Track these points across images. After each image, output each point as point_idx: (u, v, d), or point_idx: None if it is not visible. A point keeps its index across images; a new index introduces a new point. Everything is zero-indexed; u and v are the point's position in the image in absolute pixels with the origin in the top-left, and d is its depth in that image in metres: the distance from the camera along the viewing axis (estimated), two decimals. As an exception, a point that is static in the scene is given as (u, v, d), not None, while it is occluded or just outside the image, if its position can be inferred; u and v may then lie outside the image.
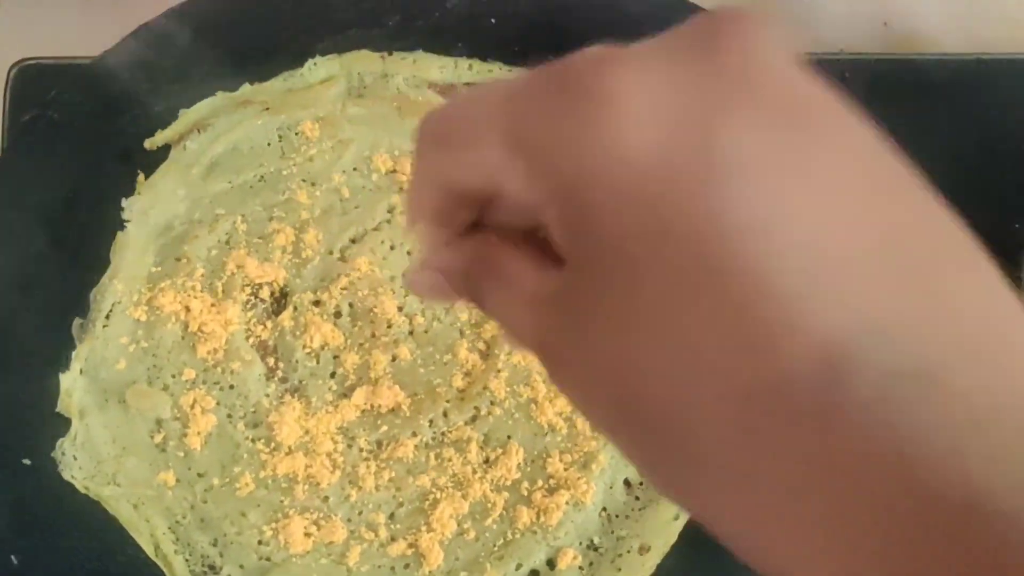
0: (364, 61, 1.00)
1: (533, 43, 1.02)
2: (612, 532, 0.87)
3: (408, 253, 0.94)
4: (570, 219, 0.34)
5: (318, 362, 0.90)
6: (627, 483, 0.89)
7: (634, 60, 0.33)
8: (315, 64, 0.99)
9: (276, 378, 0.89)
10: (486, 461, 0.88)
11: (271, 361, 0.89)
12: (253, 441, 0.86)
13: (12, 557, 0.78)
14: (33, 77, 1.06)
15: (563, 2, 1.02)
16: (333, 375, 0.89)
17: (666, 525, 0.87)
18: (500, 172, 0.36)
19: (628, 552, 0.87)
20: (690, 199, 0.31)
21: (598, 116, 0.32)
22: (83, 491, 0.83)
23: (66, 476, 0.83)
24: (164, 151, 0.94)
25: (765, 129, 0.31)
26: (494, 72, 1.01)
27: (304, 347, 0.89)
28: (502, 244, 0.39)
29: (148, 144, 0.94)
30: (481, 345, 0.91)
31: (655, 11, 1.02)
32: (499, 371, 0.90)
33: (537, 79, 0.36)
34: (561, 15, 1.02)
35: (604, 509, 0.88)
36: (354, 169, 0.97)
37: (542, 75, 0.36)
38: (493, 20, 1.02)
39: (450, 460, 0.87)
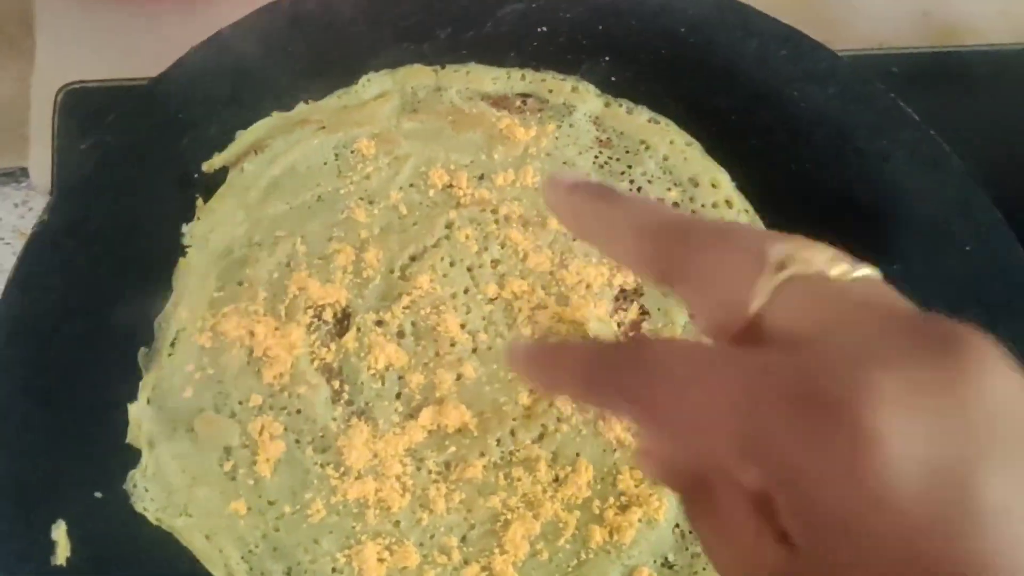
0: (417, 75, 0.99)
1: (586, 51, 1.00)
2: (687, 549, 0.86)
3: (468, 269, 0.93)
4: (815, 539, 0.35)
5: (383, 383, 0.89)
6: (699, 498, 0.88)
7: (887, 393, 0.33)
8: (368, 80, 0.98)
9: (342, 401, 0.88)
10: (556, 480, 0.87)
11: (336, 384, 0.88)
12: (322, 466, 0.85)
13: (88, 592, 0.78)
14: (81, 101, 1.07)
15: (614, 7, 1.01)
16: (399, 396, 0.89)
17: (741, 541, 0.86)
18: (728, 465, 0.37)
19: (704, 569, 0.85)
20: (953, 547, 0.32)
21: (862, 458, 0.33)
22: (155, 523, 0.82)
23: (138, 508, 0.82)
24: (222, 174, 0.94)
25: (1018, 475, 0.33)
26: (547, 81, 1.00)
27: (369, 368, 0.89)
28: (729, 489, 0.39)
29: (206, 167, 0.93)
30: (546, 361, 0.90)
31: (708, 14, 1.01)
32: (565, 387, 0.89)
33: (779, 383, 0.36)
34: (613, 21, 1.01)
35: (677, 525, 0.86)
36: (411, 185, 0.96)
37: (784, 379, 0.36)
38: (544, 28, 1.00)
39: (519, 480, 0.86)
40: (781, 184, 0.97)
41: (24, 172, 1.21)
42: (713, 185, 0.97)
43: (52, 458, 0.81)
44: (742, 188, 0.97)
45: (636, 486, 0.87)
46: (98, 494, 0.82)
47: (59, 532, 0.80)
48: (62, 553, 0.79)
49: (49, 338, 0.84)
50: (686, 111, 0.99)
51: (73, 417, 0.82)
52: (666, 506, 0.86)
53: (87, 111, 1.05)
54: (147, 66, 1.00)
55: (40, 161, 1.10)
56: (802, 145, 0.97)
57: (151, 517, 0.82)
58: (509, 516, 0.85)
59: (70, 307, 0.85)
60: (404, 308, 0.91)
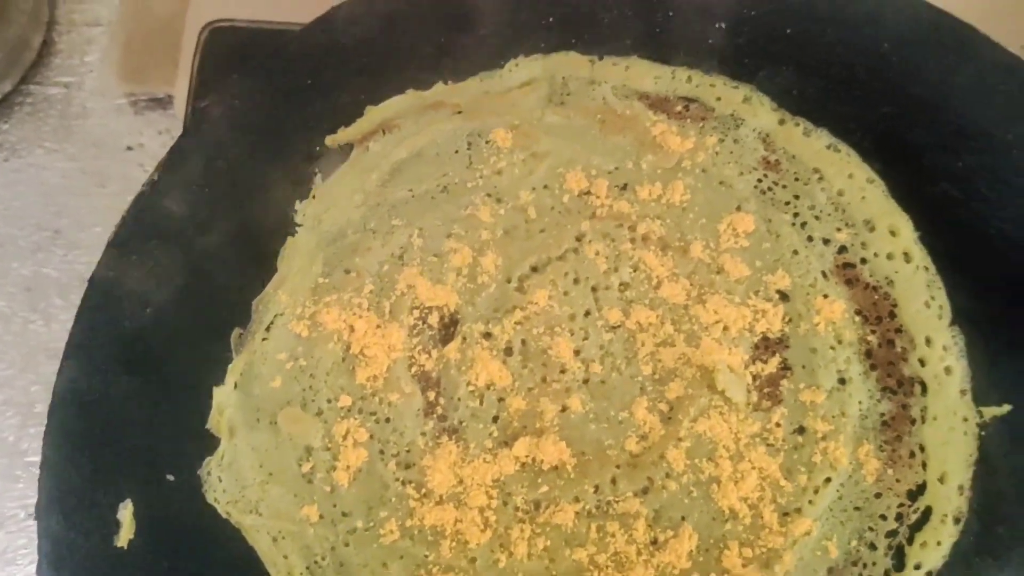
0: (571, 65, 0.89)
1: (768, 56, 0.87)
2: (786, 650, 0.76)
3: (592, 290, 0.83)
4: None
5: (481, 403, 0.81)
6: (813, 594, 0.77)
7: None
8: (516, 65, 0.89)
9: (435, 415, 0.81)
10: (654, 542, 0.78)
11: (432, 395, 0.82)
12: (403, 484, 0.79)
13: (144, 580, 0.76)
14: (225, 41, 1.02)
15: (811, 10, 0.87)
16: (495, 420, 0.81)
17: (853, 652, 0.75)
18: None
19: (800, 674, 0.75)
20: None
21: None
22: (224, 516, 0.79)
23: (209, 498, 0.79)
24: (345, 150, 0.87)
25: None
26: (716, 87, 0.88)
27: (468, 384, 0.82)
28: None
29: (330, 142, 0.87)
30: (663, 406, 0.81)
31: (921, 31, 0.86)
32: (680, 439, 0.79)
33: None
34: (805, 26, 0.87)
35: (781, 620, 0.76)
36: (544, 187, 0.87)
37: None
38: (723, 25, 0.88)
39: (613, 536, 0.78)
40: (973, 244, 0.82)
41: (171, 99, 1.20)
42: (892, 232, 0.83)
43: (130, 433, 0.78)
44: (925, 241, 0.83)
45: (744, 566, 0.77)
46: (171, 477, 0.78)
47: (126, 513, 0.77)
48: (125, 535, 0.76)
49: (143, 305, 0.80)
50: (874, 142, 0.85)
51: (157, 393, 0.79)
52: (772, 597, 0.76)
53: (228, 52, 1.01)
54: (298, 12, 0.94)
55: (184, 93, 1.07)
56: (1008, 201, 0.82)
57: (221, 509, 0.79)
58: (595, 575, 0.77)
59: (168, 275, 0.81)
60: (516, 323, 0.83)
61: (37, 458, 1.04)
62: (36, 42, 1.22)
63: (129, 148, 1.21)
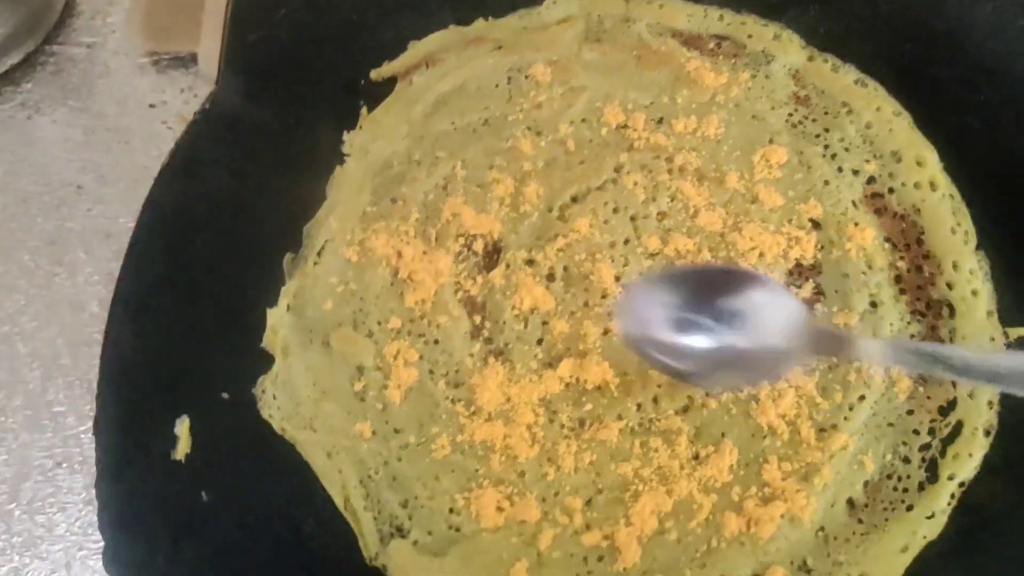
0: (606, 3, 0.92)
1: (795, -5, 0.91)
2: (828, 555, 0.78)
3: (631, 219, 0.86)
4: None
5: (526, 326, 0.84)
6: (851, 503, 0.79)
7: None
8: (554, 2, 0.91)
9: (482, 338, 0.83)
10: (695, 457, 0.80)
11: (478, 319, 0.84)
12: (453, 402, 0.81)
13: (203, 493, 0.77)
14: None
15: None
16: (540, 342, 0.83)
17: (892, 557, 0.77)
18: None
19: (845, 580, 0.78)
20: None
21: None
22: (279, 432, 0.81)
23: (264, 414, 0.81)
24: (389, 84, 0.89)
25: None
26: (747, 25, 0.91)
27: (513, 308, 0.84)
28: None
29: (374, 75, 0.89)
30: (702, 328, 0.83)
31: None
32: (720, 360, 0.82)
33: None
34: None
35: (822, 529, 0.79)
36: (582, 120, 0.89)
37: None
38: (752, -35, 0.91)
39: (656, 451, 0.80)
40: (997, 172, 0.85)
41: (193, 58, 1.21)
42: (918, 163, 0.86)
43: (184, 353, 0.79)
44: (950, 170, 0.86)
45: (783, 479, 0.79)
46: (225, 395, 0.80)
47: (182, 427, 0.79)
48: (182, 449, 0.78)
49: (197, 230, 0.82)
50: (899, 76, 0.89)
51: (212, 313, 0.81)
52: (813, 506, 0.78)
53: (258, 4, 1.02)
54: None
55: (209, 49, 1.08)
56: (1029, 131, 0.85)
57: (276, 425, 0.81)
58: (640, 487, 0.79)
59: (220, 201, 0.83)
60: (558, 250, 0.85)
61: (62, 408, 1.06)
62: (59, 3, 1.23)
63: (152, 106, 1.21)
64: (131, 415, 0.77)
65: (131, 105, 1.23)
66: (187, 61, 1.23)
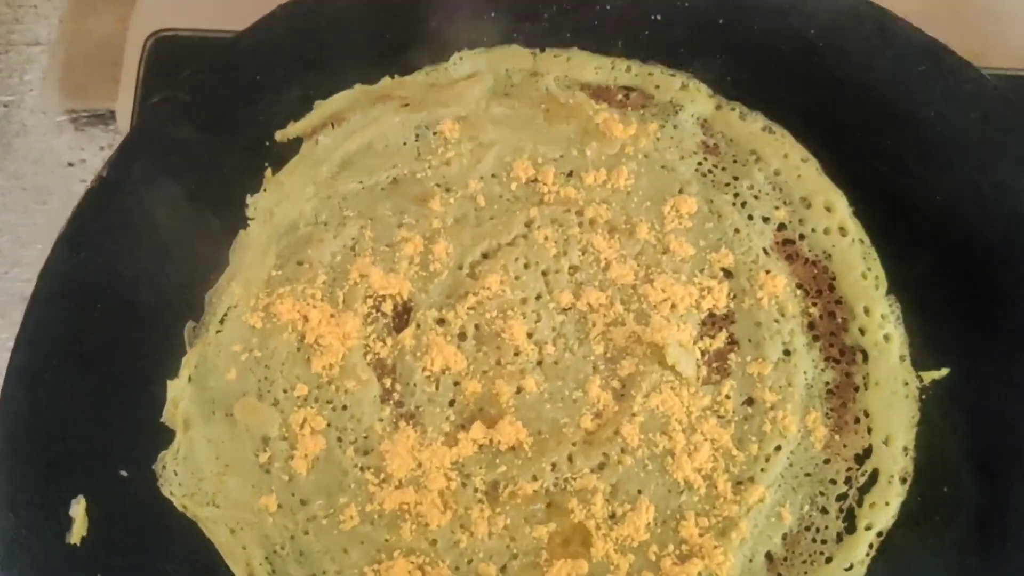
0: (514, 57, 0.91)
1: (702, 45, 0.91)
2: (747, 614, 0.77)
3: (543, 274, 0.85)
4: None
5: (437, 388, 0.82)
6: (770, 557, 0.78)
7: None
8: (461, 58, 0.91)
9: (392, 401, 0.82)
10: (612, 516, 0.79)
11: (388, 382, 0.82)
12: (362, 470, 0.79)
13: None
14: (169, 50, 1.02)
15: (741, 1, 0.91)
16: (452, 403, 0.82)
17: (811, 613, 0.77)
18: None
19: (763, 640, 0.77)
20: None
21: None
22: (181, 509, 0.78)
23: (165, 492, 0.78)
24: (295, 145, 0.88)
25: None
26: (655, 76, 0.91)
27: (424, 370, 0.82)
28: None
29: (279, 136, 0.88)
30: (616, 383, 0.82)
31: (842, 18, 0.90)
32: (634, 415, 0.81)
33: None
34: (734, 16, 0.90)
35: (741, 586, 0.78)
36: (492, 176, 0.88)
37: None
38: (658, 17, 0.91)
39: (572, 512, 0.78)
40: (904, 216, 0.85)
41: (112, 115, 1.19)
42: (827, 208, 0.87)
43: (82, 428, 0.77)
44: (859, 215, 0.87)
45: (701, 535, 0.78)
46: (124, 472, 0.77)
47: (78, 509, 0.76)
48: (78, 531, 0.75)
49: (94, 300, 0.80)
50: (805, 123, 0.89)
51: (109, 387, 0.78)
52: (731, 562, 0.77)
53: (171, 61, 1.00)
54: (245, 18, 0.95)
55: (128, 106, 1.07)
56: (934, 174, 0.86)
57: (177, 503, 0.78)
58: (556, 550, 0.78)
59: (119, 270, 0.80)
60: (469, 308, 0.84)
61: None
62: (-27, 63, 1.21)
63: (70, 164, 1.20)
64: (23, 495, 0.74)
65: (49, 164, 1.21)
66: (106, 118, 1.22)
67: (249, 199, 0.86)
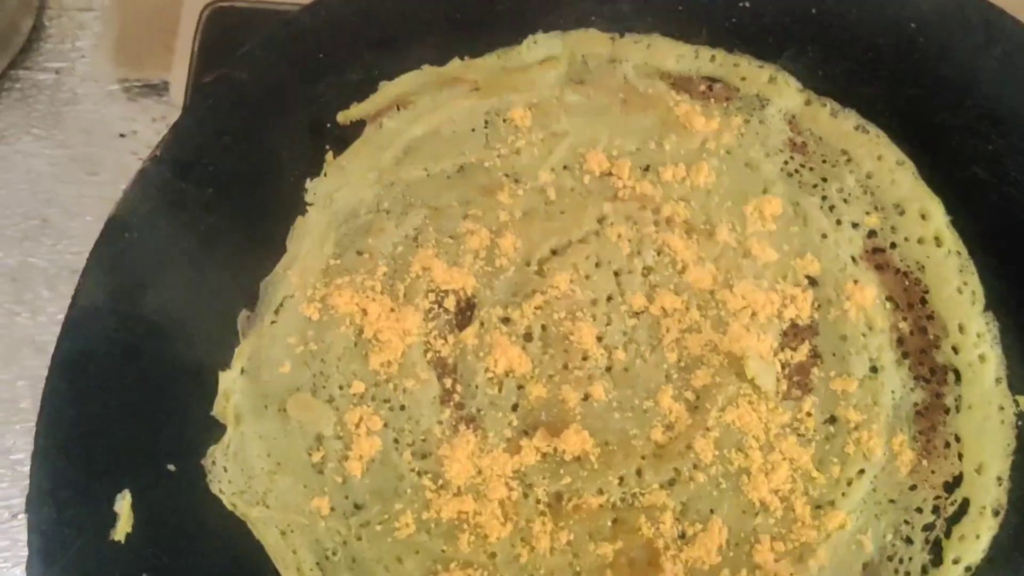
0: (591, 42, 0.86)
1: (793, 36, 0.85)
2: (823, 646, 0.73)
3: (615, 274, 0.80)
4: None
5: (500, 390, 0.78)
6: (850, 589, 0.74)
7: None
8: (535, 42, 0.85)
9: (452, 403, 0.78)
10: (682, 536, 0.74)
11: (448, 383, 0.78)
12: (419, 475, 0.75)
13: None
14: (225, 22, 0.99)
15: (841, -11, 0.85)
16: (515, 408, 0.78)
17: (892, 650, 0.72)
18: None
19: (839, 673, 0.72)
20: None
21: None
22: (230, 508, 0.75)
23: (213, 489, 0.74)
24: (357, 128, 0.84)
25: None
26: (741, 67, 0.85)
27: (487, 371, 0.78)
28: None
29: (341, 118, 0.83)
30: (690, 394, 0.77)
31: (946, 11, 0.84)
32: (708, 429, 0.76)
33: None
34: (830, 5, 0.84)
35: (817, 617, 0.73)
36: (564, 167, 0.83)
37: None
38: (746, 4, 0.85)
39: (639, 530, 0.74)
40: (1004, 227, 0.80)
41: (166, 86, 1.16)
42: (922, 216, 0.81)
43: (127, 421, 0.74)
44: (956, 225, 0.81)
45: (776, 560, 0.74)
46: (171, 467, 0.74)
47: (123, 504, 0.73)
48: (123, 528, 0.72)
49: (144, 286, 0.76)
50: (902, 124, 0.83)
51: (158, 378, 0.75)
52: (807, 591, 0.73)
53: (228, 34, 0.97)
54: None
55: (182, 77, 1.03)
56: (1041, 184, 0.80)
57: (226, 501, 0.75)
58: (622, 570, 0.73)
59: (171, 255, 0.77)
60: (536, 308, 0.79)
61: (22, 456, 1.00)
62: (26, 26, 1.17)
63: (122, 135, 1.17)
64: (66, 491, 0.71)
65: (99, 134, 1.18)
66: (160, 89, 1.18)
67: (308, 184, 0.81)
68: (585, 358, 0.79)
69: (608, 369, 0.78)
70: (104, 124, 1.17)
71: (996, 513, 0.74)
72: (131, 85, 1.17)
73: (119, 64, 1.17)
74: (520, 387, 0.78)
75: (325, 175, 0.82)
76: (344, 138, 0.83)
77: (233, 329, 0.78)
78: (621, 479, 0.76)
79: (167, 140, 0.78)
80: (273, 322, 0.79)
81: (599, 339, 0.79)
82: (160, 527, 0.72)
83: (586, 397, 0.78)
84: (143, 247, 0.76)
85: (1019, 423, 0.76)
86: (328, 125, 0.83)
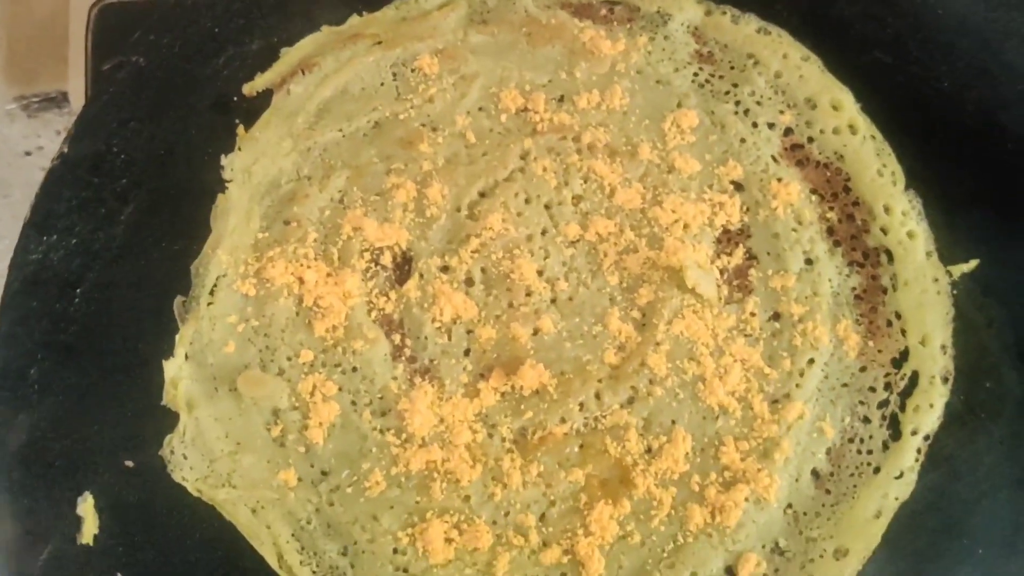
0: (487, -20, 0.86)
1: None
2: (801, 533, 0.74)
3: (546, 207, 0.80)
4: None
5: (450, 338, 0.78)
6: (816, 474, 0.75)
7: None
8: (431, -13, 0.85)
9: (404, 358, 0.77)
10: (648, 451, 0.75)
11: (397, 338, 0.77)
12: (382, 432, 0.75)
13: (118, 575, 0.69)
14: (116, 19, 0.96)
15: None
16: (468, 353, 0.77)
17: (866, 525, 0.74)
18: None
19: (821, 556, 0.74)
20: None
21: None
22: (196, 494, 0.73)
23: (176, 477, 0.73)
24: (265, 98, 0.82)
25: None
26: (637, -15, 0.86)
27: (434, 321, 0.78)
28: None
29: (247, 89, 0.82)
30: (636, 313, 0.78)
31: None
32: (658, 344, 0.77)
33: None
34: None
35: (790, 506, 0.75)
36: (480, 109, 0.83)
37: None
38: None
39: (606, 451, 0.75)
40: (913, 106, 0.81)
41: (64, 97, 1.13)
42: (834, 107, 0.82)
43: (77, 423, 0.72)
44: (868, 111, 0.82)
45: (742, 460, 0.75)
46: (129, 463, 0.73)
47: (85, 507, 0.71)
48: (89, 530, 0.70)
49: (72, 286, 0.74)
50: (801, 20, 0.84)
51: (100, 375, 0.73)
52: (777, 483, 0.74)
53: (120, 28, 0.94)
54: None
55: (79, 86, 1.00)
56: (939, 59, 0.82)
57: (190, 488, 0.73)
58: (595, 492, 0.74)
59: (95, 251, 0.75)
60: (473, 252, 0.79)
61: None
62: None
63: (27, 153, 1.14)
64: (25, 502, 0.69)
65: (4, 155, 1.16)
66: (59, 101, 1.15)
67: (224, 160, 0.80)
68: (529, 294, 0.79)
69: (553, 301, 0.79)
70: (7, 144, 1.15)
71: (945, 380, 0.77)
72: (29, 101, 1.14)
73: (13, 82, 1.14)
74: (469, 332, 0.78)
75: (239, 149, 0.80)
76: (253, 110, 0.81)
77: (170, 316, 0.76)
78: (581, 405, 0.76)
79: (72, 135, 0.76)
80: (210, 304, 0.77)
81: (540, 273, 0.79)
82: (128, 524, 0.71)
83: (536, 332, 0.78)
84: (64, 247, 0.74)
85: (954, 292, 0.78)
86: (235, 99, 0.81)
